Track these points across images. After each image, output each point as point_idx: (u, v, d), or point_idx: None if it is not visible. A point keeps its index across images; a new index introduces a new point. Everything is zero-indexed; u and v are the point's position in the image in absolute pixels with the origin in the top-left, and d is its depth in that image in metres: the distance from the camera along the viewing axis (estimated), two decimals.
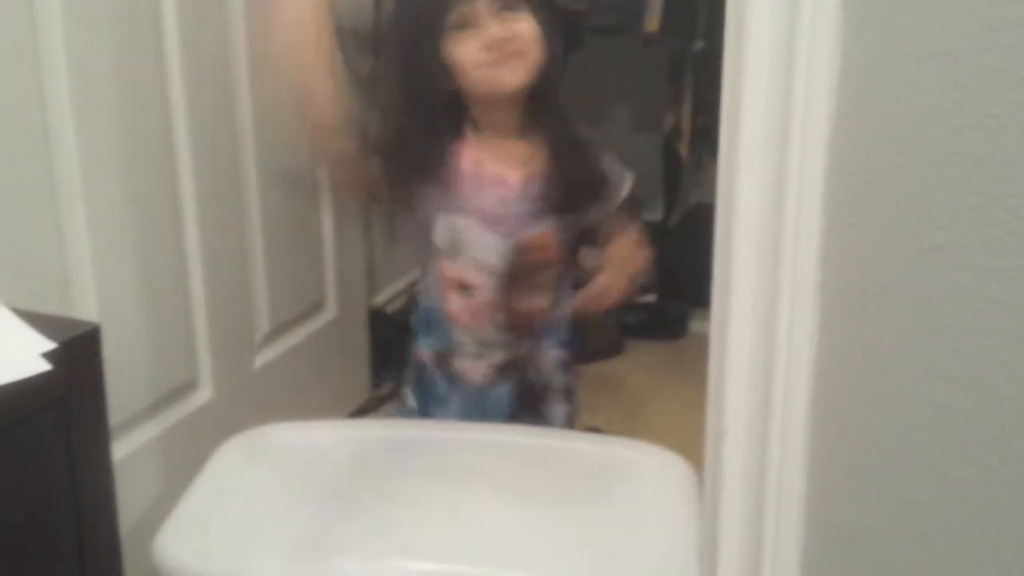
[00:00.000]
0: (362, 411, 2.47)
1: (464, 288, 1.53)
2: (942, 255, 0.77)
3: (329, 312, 2.33)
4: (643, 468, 1.35)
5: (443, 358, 1.59)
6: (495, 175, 1.47)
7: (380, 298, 2.77)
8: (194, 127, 1.79)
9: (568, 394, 1.63)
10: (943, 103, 0.75)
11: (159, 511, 1.32)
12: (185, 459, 1.58)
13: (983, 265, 0.76)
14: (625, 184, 1.57)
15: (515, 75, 1.39)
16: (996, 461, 0.78)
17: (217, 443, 1.42)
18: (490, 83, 1.40)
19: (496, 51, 1.36)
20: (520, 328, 1.55)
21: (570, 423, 1.64)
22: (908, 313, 0.79)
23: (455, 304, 1.55)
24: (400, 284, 2.82)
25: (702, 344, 0.91)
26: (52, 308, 1.49)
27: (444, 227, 1.51)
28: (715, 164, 0.86)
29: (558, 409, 1.62)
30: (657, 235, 2.91)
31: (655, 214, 2.99)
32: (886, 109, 0.77)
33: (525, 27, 1.38)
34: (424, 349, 1.61)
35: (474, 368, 1.58)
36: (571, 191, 1.49)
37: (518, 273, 1.52)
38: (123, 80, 1.63)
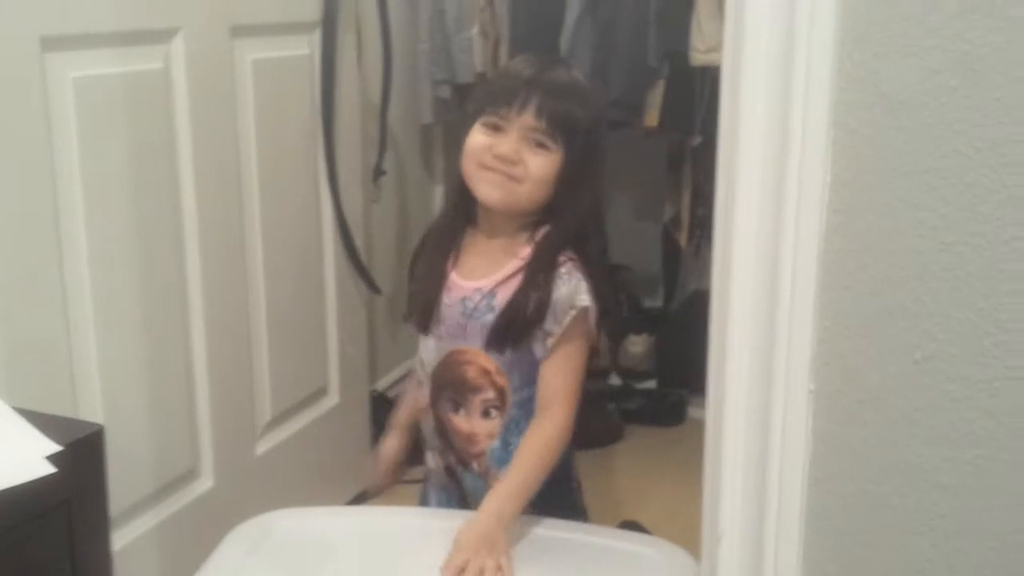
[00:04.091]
0: (363, 496, 2.46)
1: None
2: (934, 366, 0.79)
3: (332, 399, 2.33)
4: (646, 561, 1.35)
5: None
6: (453, 277, 1.43)
7: (382, 383, 2.78)
8: (201, 220, 1.82)
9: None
10: (931, 219, 0.77)
11: None
12: (186, 547, 1.58)
13: (973, 376, 0.77)
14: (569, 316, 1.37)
15: (493, 194, 1.36)
16: (989, 569, 0.79)
17: (218, 531, 1.42)
18: (472, 184, 1.38)
19: (495, 165, 1.33)
20: (456, 445, 1.49)
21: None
22: (901, 423, 0.80)
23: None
24: (402, 369, 2.83)
25: (701, 430, 0.91)
26: (57, 401, 1.51)
27: None
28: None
29: None
30: (657, 322, 2.98)
31: (656, 301, 3.02)
32: (877, 224, 0.79)
33: (537, 163, 1.33)
34: None
35: (435, 460, 1.55)
36: (509, 325, 1.38)
37: (443, 384, 1.46)
38: (134, 178, 1.66)
